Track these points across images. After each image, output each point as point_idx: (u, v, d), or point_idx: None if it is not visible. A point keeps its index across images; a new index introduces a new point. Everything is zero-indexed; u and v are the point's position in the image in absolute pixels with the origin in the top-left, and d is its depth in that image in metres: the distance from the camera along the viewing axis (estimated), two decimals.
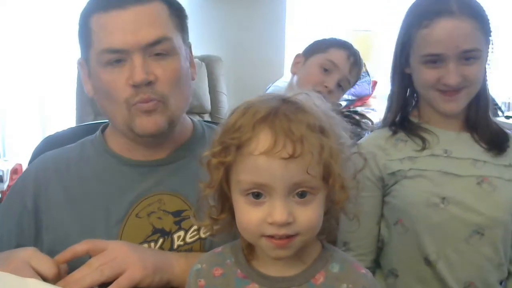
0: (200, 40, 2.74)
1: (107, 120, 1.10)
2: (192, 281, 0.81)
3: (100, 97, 1.03)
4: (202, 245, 1.00)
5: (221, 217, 0.80)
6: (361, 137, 1.29)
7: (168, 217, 1.00)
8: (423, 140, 1.15)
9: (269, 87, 2.03)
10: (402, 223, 1.13)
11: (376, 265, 1.21)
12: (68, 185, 1.04)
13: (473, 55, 1.08)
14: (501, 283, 1.16)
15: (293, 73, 1.75)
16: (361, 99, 3.16)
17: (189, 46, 1.07)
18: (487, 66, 1.14)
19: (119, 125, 1.01)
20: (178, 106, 1.01)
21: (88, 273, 0.85)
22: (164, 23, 0.99)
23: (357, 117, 1.57)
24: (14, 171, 2.63)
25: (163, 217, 1.00)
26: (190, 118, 1.14)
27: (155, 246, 0.99)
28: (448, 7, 1.07)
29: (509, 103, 3.10)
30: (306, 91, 0.79)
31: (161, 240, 0.99)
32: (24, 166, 1.63)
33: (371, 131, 1.30)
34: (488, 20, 1.11)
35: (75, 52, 1.08)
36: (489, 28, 1.11)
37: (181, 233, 1.00)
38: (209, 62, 2.92)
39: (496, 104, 2.71)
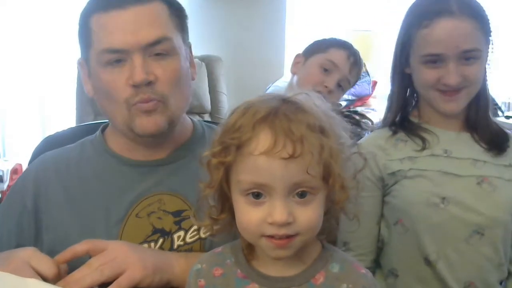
0: (200, 40, 2.74)
1: (107, 120, 1.10)
2: (192, 281, 0.81)
3: (100, 97, 1.03)
4: (202, 245, 1.00)
5: (221, 217, 0.80)
6: (361, 137, 1.29)
7: (168, 217, 1.00)
8: (423, 140, 1.15)
9: (269, 87, 2.03)
10: (402, 223, 1.13)
11: (376, 265, 1.21)
12: (68, 185, 1.04)
13: (473, 55, 1.08)
14: (501, 283, 1.16)
15: (293, 73, 1.75)
16: (361, 99, 3.16)
17: (189, 46, 1.07)
18: (487, 66, 1.14)
19: (119, 125, 1.01)
20: (178, 106, 1.01)
21: (88, 273, 0.85)
22: (164, 23, 0.99)
23: (357, 117, 1.57)
24: (14, 171, 2.63)
25: (163, 217, 1.00)
26: (190, 118, 1.14)
27: (155, 246, 0.99)
28: (448, 7, 1.07)
29: (509, 103, 3.10)
30: (306, 91, 0.79)
31: (161, 240, 0.99)
32: (24, 166, 1.63)
33: (371, 131, 1.30)
34: (488, 20, 1.11)
35: (75, 52, 1.08)
36: (489, 28, 1.11)
37: (181, 233, 1.00)
38: (209, 62, 2.92)
39: (496, 104, 2.71)
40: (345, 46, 1.68)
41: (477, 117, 1.17)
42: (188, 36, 1.06)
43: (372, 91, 3.22)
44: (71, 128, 1.39)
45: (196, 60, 1.15)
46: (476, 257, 1.11)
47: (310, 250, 0.79)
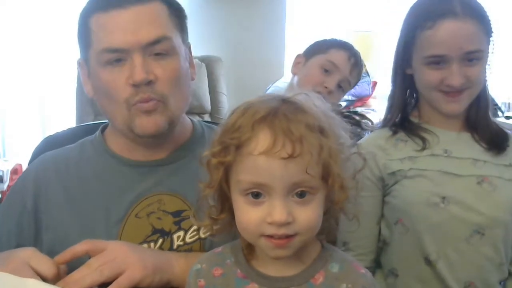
0: (200, 40, 2.75)
1: (107, 120, 1.10)
2: (192, 281, 0.81)
3: (100, 97, 1.03)
4: (202, 245, 1.00)
5: (221, 217, 0.80)
6: (361, 137, 1.29)
7: (168, 217, 1.00)
8: (423, 140, 1.15)
9: (269, 88, 2.03)
10: (403, 223, 1.13)
11: (376, 265, 1.21)
12: (68, 185, 1.04)
13: (476, 56, 1.08)
14: (500, 283, 1.16)
15: (294, 73, 1.75)
16: (361, 99, 3.16)
17: (188, 47, 1.07)
18: (487, 66, 1.14)
19: (119, 125, 1.01)
20: (178, 106, 1.01)
21: (88, 273, 0.85)
22: (164, 22, 0.99)
23: (357, 118, 1.57)
24: (14, 171, 2.63)
25: (163, 217, 1.00)
26: (189, 118, 1.14)
27: (154, 246, 0.99)
28: (451, 8, 1.07)
29: (509, 103, 3.10)
30: (306, 92, 0.79)
31: (160, 240, 0.99)
32: (24, 166, 1.63)
33: (371, 131, 1.30)
34: (490, 20, 1.11)
35: (75, 52, 1.08)
36: (491, 28, 1.11)
37: (181, 233, 1.00)
38: (209, 62, 2.92)
39: (496, 104, 2.71)
40: (345, 47, 1.68)
41: (477, 117, 1.17)
42: (187, 36, 1.06)
43: (372, 91, 3.21)
44: (71, 128, 1.39)
45: (196, 60, 1.15)
46: (476, 257, 1.11)
47: (310, 250, 0.79)
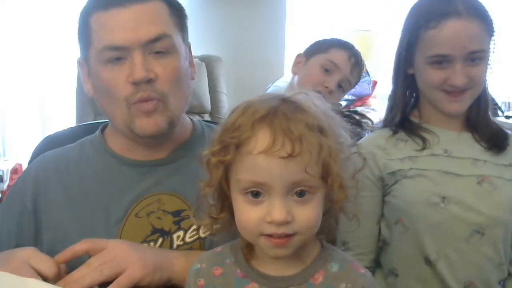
0: (200, 40, 2.74)
1: (107, 120, 1.10)
2: (192, 280, 0.81)
3: (100, 96, 1.03)
4: (202, 245, 0.99)
5: (221, 216, 0.80)
6: (361, 137, 1.29)
7: (168, 217, 1.00)
8: (424, 139, 1.15)
9: (269, 87, 2.03)
10: (402, 223, 1.13)
11: (376, 265, 1.21)
12: (68, 185, 1.04)
13: (479, 56, 1.08)
14: (500, 284, 1.16)
15: (294, 73, 1.75)
16: (361, 99, 3.16)
17: (188, 46, 1.07)
18: (488, 66, 1.14)
19: (119, 125, 1.01)
20: (178, 105, 1.01)
21: (88, 272, 0.85)
22: (164, 21, 0.99)
23: (357, 117, 1.57)
24: (14, 171, 2.63)
25: (163, 217, 1.00)
26: (189, 117, 1.14)
27: (154, 246, 0.99)
28: (454, 8, 1.07)
29: (509, 103, 3.09)
30: (306, 91, 0.79)
31: (160, 240, 0.99)
32: (24, 166, 1.63)
33: (371, 131, 1.30)
34: (492, 20, 1.11)
35: (75, 52, 1.08)
36: (493, 28, 1.11)
37: (181, 233, 1.00)
38: (209, 62, 2.92)
39: (496, 104, 2.71)
40: (346, 47, 1.68)
41: (478, 117, 1.17)
42: (187, 36, 1.06)
43: (372, 91, 3.21)
44: (71, 128, 1.39)
45: (196, 60, 1.15)
46: (476, 257, 1.11)
47: (310, 250, 0.79)
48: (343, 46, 1.68)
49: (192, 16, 1.10)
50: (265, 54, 3.18)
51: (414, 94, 1.21)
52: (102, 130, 1.12)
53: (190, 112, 1.59)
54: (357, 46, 1.74)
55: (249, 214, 0.73)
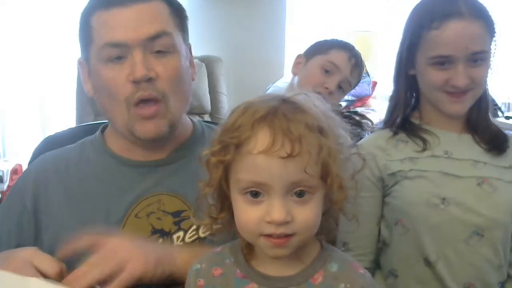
0: (200, 40, 2.74)
1: (107, 121, 1.10)
2: (192, 280, 0.81)
3: (100, 96, 1.03)
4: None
5: (221, 216, 0.80)
6: (361, 138, 1.29)
7: (168, 217, 1.00)
8: (424, 141, 1.15)
9: (269, 88, 2.03)
10: (402, 224, 1.13)
11: (376, 266, 1.21)
12: (68, 186, 1.04)
13: (481, 57, 1.08)
14: (499, 286, 1.16)
15: (294, 73, 1.75)
16: (361, 99, 3.16)
17: (189, 47, 1.07)
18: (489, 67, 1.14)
19: (119, 127, 1.01)
20: (178, 106, 1.01)
21: (89, 270, 0.85)
22: (164, 20, 0.99)
23: (357, 118, 1.57)
24: (14, 171, 2.63)
25: (163, 217, 1.00)
26: (190, 118, 1.14)
27: None
28: (457, 9, 1.07)
29: (509, 103, 3.09)
30: (306, 92, 0.79)
31: (160, 241, 0.99)
32: (24, 166, 1.63)
33: (371, 131, 1.30)
34: (493, 21, 1.11)
35: (75, 52, 1.08)
36: (494, 29, 1.11)
37: (181, 233, 1.00)
38: (209, 62, 2.92)
39: (496, 105, 2.71)
40: (346, 48, 1.68)
41: (478, 118, 1.17)
42: (188, 36, 1.07)
43: (372, 91, 3.21)
44: (71, 129, 1.39)
45: (196, 60, 1.15)
46: (475, 258, 1.10)
47: (309, 250, 0.79)
48: (343, 47, 1.68)
49: (192, 16, 1.10)
50: (265, 54, 3.18)
51: (414, 95, 1.21)
52: (102, 131, 1.12)
53: (190, 112, 1.59)
54: (357, 47, 1.73)
55: (248, 214, 0.73)
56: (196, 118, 1.20)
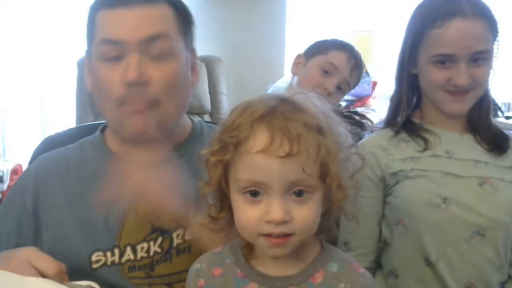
0: (200, 40, 2.72)
1: None
2: (192, 280, 0.81)
3: (95, 92, 1.04)
4: None
5: (221, 215, 0.80)
6: (362, 138, 1.29)
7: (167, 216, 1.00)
8: (425, 140, 1.15)
9: (269, 88, 2.03)
10: (403, 223, 1.13)
11: (376, 266, 1.21)
12: (68, 185, 1.04)
13: (483, 56, 1.08)
14: (499, 286, 1.16)
15: (294, 73, 1.75)
16: (361, 99, 3.16)
17: (192, 52, 1.07)
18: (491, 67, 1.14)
19: (111, 125, 1.02)
20: (171, 110, 1.00)
21: None
22: (166, 23, 0.99)
23: (357, 118, 1.57)
24: (14, 171, 2.63)
25: (162, 216, 1.00)
26: (189, 118, 1.14)
27: (154, 245, 0.99)
28: (460, 8, 1.07)
29: (509, 103, 3.10)
30: (305, 91, 0.79)
31: (160, 239, 0.99)
32: (24, 166, 1.63)
33: (371, 131, 1.30)
34: (496, 21, 1.11)
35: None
36: (497, 29, 1.11)
37: (180, 231, 1.00)
38: (209, 62, 2.92)
39: (496, 105, 2.71)
40: (346, 49, 1.67)
41: (479, 118, 1.17)
42: (192, 42, 1.06)
43: (372, 91, 3.21)
44: (71, 129, 1.39)
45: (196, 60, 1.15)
46: (476, 258, 1.10)
47: (309, 250, 0.79)
48: (343, 48, 1.67)
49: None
50: (265, 54, 3.18)
51: (416, 95, 1.21)
52: (102, 131, 1.12)
53: (190, 112, 1.59)
54: (357, 47, 1.73)
55: (247, 214, 0.73)
56: (196, 118, 1.20)
